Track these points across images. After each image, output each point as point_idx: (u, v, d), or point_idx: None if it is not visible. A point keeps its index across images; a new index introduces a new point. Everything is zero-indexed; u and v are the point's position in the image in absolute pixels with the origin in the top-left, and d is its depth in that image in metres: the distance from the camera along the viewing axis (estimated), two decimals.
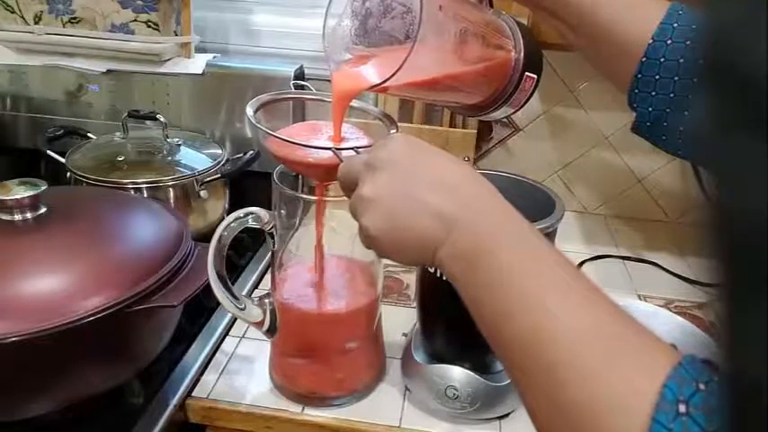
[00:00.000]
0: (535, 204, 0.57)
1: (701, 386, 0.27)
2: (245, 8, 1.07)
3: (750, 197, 0.18)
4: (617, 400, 0.29)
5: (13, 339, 0.48)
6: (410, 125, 0.96)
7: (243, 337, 0.71)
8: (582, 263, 0.90)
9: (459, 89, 0.58)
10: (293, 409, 0.62)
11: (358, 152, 0.47)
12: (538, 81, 0.59)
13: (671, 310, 0.78)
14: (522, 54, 0.57)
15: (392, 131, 0.55)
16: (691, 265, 0.90)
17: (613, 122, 1.01)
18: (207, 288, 0.55)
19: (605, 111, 1.01)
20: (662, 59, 0.53)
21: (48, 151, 0.88)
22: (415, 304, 0.73)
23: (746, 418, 0.20)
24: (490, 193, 0.39)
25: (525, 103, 0.61)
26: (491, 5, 0.59)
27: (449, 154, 0.42)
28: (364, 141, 0.53)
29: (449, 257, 0.38)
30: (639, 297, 0.84)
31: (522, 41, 0.58)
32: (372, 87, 0.48)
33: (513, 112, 0.62)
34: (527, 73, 0.58)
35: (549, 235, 0.56)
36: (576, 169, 1.06)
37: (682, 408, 0.27)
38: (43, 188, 0.58)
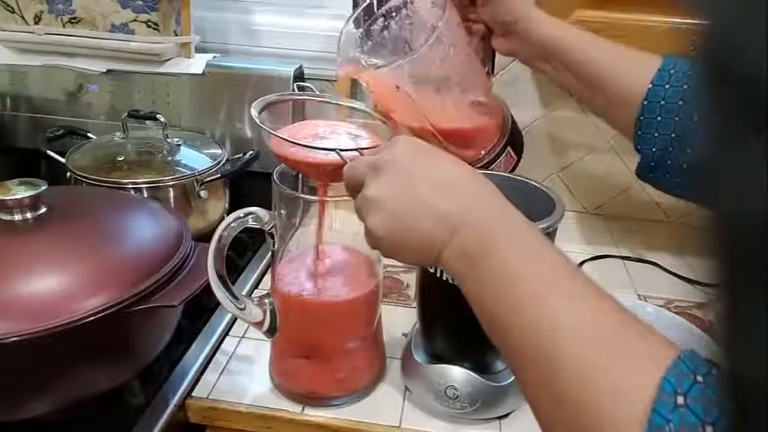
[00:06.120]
0: (535, 204, 0.57)
1: (699, 379, 0.28)
2: (245, 8, 1.07)
3: (749, 197, 0.18)
4: (617, 392, 0.29)
5: (13, 339, 0.48)
6: None
7: (243, 337, 0.71)
8: (582, 263, 0.90)
9: (446, 142, 0.60)
10: (293, 409, 0.62)
11: (362, 154, 0.47)
12: (517, 163, 0.62)
13: (671, 310, 0.78)
14: (509, 132, 0.61)
15: (395, 133, 0.55)
16: (691, 265, 0.90)
17: None
18: (207, 288, 0.55)
19: None
20: (662, 102, 0.56)
21: (48, 151, 0.88)
22: (415, 304, 0.72)
23: (746, 418, 0.20)
24: (492, 195, 0.40)
25: None
26: (493, 72, 0.64)
27: (452, 156, 0.43)
28: (369, 142, 0.53)
29: (452, 258, 0.39)
30: (639, 297, 0.84)
31: (510, 121, 0.61)
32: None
33: None
34: (509, 148, 0.61)
35: (549, 235, 0.56)
36: (577, 170, 1.06)
37: (680, 400, 0.27)
38: (43, 188, 0.58)
